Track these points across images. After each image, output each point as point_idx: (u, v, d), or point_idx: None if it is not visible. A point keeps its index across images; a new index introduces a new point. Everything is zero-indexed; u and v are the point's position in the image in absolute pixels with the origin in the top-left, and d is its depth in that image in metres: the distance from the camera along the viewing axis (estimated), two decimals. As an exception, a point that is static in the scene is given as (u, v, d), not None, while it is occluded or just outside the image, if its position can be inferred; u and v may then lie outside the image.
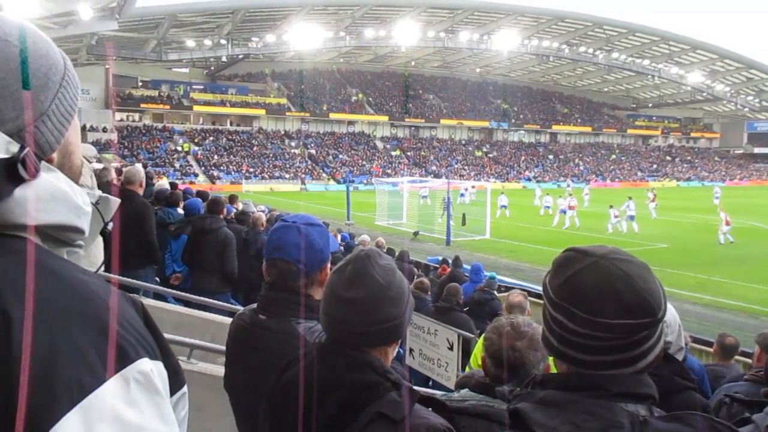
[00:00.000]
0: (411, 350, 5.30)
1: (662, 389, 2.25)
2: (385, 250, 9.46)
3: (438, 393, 2.37)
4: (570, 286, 1.10)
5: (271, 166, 57.85)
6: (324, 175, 59.31)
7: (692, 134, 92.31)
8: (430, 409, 1.34)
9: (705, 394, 3.28)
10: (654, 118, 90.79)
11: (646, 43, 69.63)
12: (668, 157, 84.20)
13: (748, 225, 27.88)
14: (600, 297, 1.06)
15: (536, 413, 1.06)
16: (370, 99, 73.24)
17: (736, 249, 21.34)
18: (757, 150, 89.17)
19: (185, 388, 0.83)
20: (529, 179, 66.32)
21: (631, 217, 26.42)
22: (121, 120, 58.98)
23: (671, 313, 2.39)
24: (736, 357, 5.28)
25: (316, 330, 1.70)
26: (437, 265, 13.39)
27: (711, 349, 7.69)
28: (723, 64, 75.12)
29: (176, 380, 0.79)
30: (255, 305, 1.87)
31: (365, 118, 70.61)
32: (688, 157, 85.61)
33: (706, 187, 60.03)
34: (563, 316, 1.10)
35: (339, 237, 12.38)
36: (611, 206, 26.68)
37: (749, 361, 5.42)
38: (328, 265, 1.83)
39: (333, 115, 68.63)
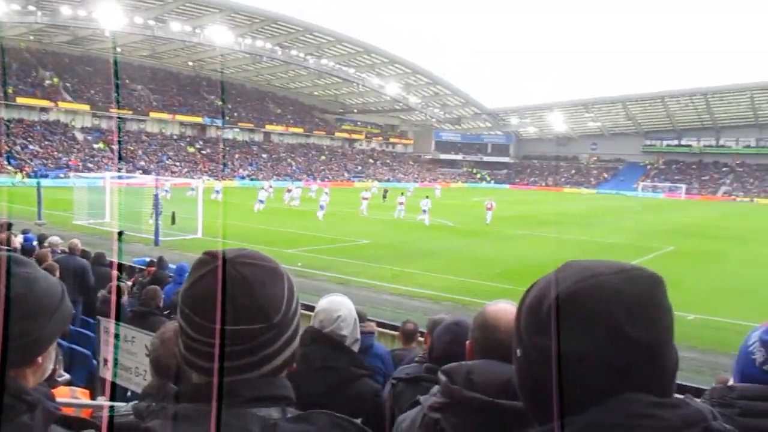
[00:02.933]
0: (105, 360, 4.89)
1: (340, 380, 2.44)
2: (79, 253, 8.59)
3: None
4: (193, 292, 1.07)
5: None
6: (10, 167, 51.66)
7: (391, 140, 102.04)
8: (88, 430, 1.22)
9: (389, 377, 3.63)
10: (359, 123, 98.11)
11: (352, 53, 74.92)
12: (371, 160, 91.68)
13: (436, 222, 31.66)
14: (213, 302, 1.04)
15: (167, 431, 1.02)
16: (68, 85, 65.82)
17: (428, 243, 24.07)
18: (442, 156, 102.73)
19: None
20: (243, 177, 66.42)
21: (425, 212, 31.19)
22: None
23: (347, 308, 2.57)
24: (419, 340, 5.94)
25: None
26: (144, 267, 12.63)
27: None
28: (416, 78, 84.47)
29: None
30: None
31: (62, 106, 63.17)
32: (388, 161, 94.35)
33: (402, 188, 66.49)
34: (185, 322, 1.07)
35: (20, 238, 10.87)
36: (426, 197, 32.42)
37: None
38: None
39: (21, 100, 59.99)
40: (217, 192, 40.13)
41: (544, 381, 0.89)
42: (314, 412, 1.08)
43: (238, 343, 1.04)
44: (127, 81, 71.53)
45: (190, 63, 77.96)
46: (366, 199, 36.53)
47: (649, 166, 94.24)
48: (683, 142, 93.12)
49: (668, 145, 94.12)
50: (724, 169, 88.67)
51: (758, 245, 27.61)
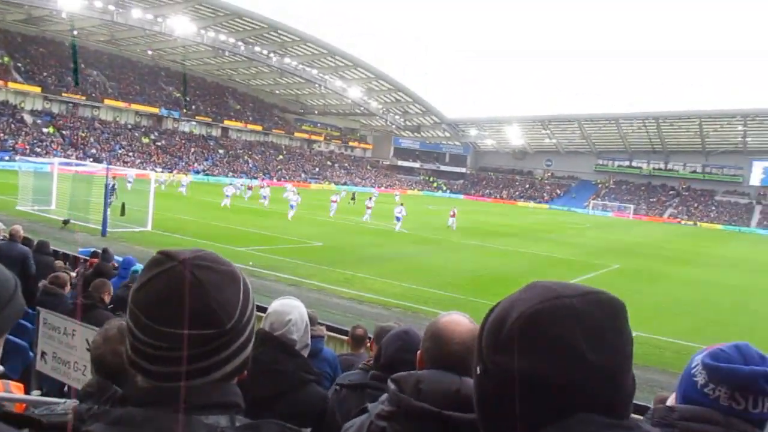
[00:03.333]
0: (43, 353, 4.72)
1: (287, 385, 2.42)
2: (20, 240, 8.28)
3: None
4: (143, 292, 1.04)
5: None
6: (-50, 147, 49.69)
7: (350, 143, 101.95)
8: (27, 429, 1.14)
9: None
10: (319, 124, 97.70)
11: (316, 54, 74.61)
12: (329, 162, 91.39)
13: (388, 228, 31.74)
14: (164, 305, 1.01)
15: None
16: (20, 65, 63.56)
17: (381, 249, 24.12)
18: (400, 162, 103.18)
19: None
20: (197, 172, 65.32)
21: (398, 218, 32.40)
22: None
23: (298, 312, 2.55)
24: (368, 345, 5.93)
25: None
26: (89, 258, 12.27)
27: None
28: (377, 83, 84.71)
29: None
30: None
31: (12, 86, 60.86)
32: (346, 164, 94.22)
33: (369, 192, 66.50)
34: (133, 322, 1.04)
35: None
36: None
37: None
38: None
39: (-34, 78, 57.74)
40: (183, 186, 40.38)
41: (502, 399, 0.89)
42: (264, 421, 1.05)
43: (188, 348, 1.01)
44: (82, 66, 69.50)
45: (150, 52, 76.34)
46: (335, 202, 38.10)
47: (600, 185, 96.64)
48: (634, 164, 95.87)
49: (619, 166, 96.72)
50: (671, 192, 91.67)
51: (699, 267, 28.59)
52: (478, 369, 0.95)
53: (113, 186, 24.70)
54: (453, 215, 35.89)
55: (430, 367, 1.51)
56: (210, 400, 1.04)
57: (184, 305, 1.01)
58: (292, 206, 32.76)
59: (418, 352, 1.64)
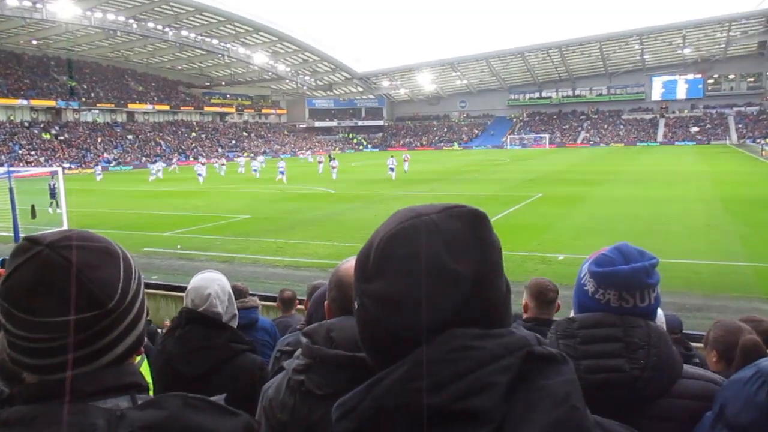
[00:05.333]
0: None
1: (220, 358, 2.42)
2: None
3: None
4: (11, 283, 0.97)
5: None
6: None
7: (263, 111, 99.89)
8: None
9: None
10: (228, 96, 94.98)
11: (214, 23, 71.94)
12: (244, 133, 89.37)
13: (314, 191, 31.57)
14: (36, 293, 0.95)
15: None
16: None
17: (309, 213, 23.98)
18: (317, 124, 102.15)
19: None
20: (109, 162, 62.55)
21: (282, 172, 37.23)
22: None
23: (218, 284, 2.53)
24: (299, 307, 5.94)
25: None
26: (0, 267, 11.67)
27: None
28: (282, 46, 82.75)
29: None
30: None
31: None
32: (262, 133, 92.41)
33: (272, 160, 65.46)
34: (4, 317, 0.97)
35: None
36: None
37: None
38: None
39: None
40: (154, 174, 42.67)
41: (376, 327, 0.88)
42: (166, 395, 1.01)
43: (69, 335, 0.95)
44: (-39, 65, 64.64)
45: (35, 42, 71.47)
46: (321, 162, 45.31)
47: (514, 120, 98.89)
48: (543, 94, 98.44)
49: (530, 98, 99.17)
50: (581, 117, 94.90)
51: (614, 186, 29.97)
52: (355, 304, 0.93)
53: (53, 186, 25.16)
54: (406, 159, 42.34)
55: (339, 314, 1.52)
56: (104, 384, 0.99)
57: (57, 290, 0.95)
58: (281, 172, 37.57)
59: (325, 302, 1.64)
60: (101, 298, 0.98)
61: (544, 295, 3.22)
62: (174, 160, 60.79)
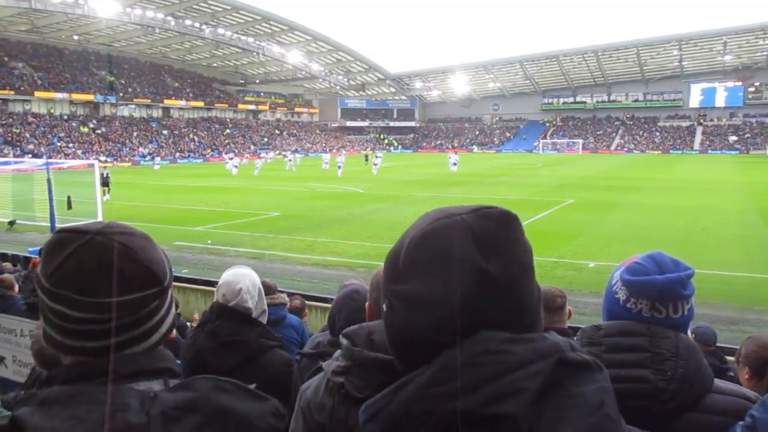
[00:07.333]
0: (2, 358, 4.63)
1: (249, 353, 2.44)
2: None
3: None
4: (65, 271, 1.00)
5: None
6: None
7: (296, 109, 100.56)
8: None
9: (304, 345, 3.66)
10: (262, 93, 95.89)
11: (250, 21, 72.69)
12: (277, 131, 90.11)
13: (343, 190, 31.67)
14: (100, 275, 1.00)
15: (35, 416, 0.94)
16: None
17: (339, 211, 24.07)
18: (349, 123, 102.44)
19: None
20: (143, 156, 63.65)
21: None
22: None
23: (249, 279, 2.55)
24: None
25: None
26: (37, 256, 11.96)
27: (319, 305, 8.62)
28: (317, 45, 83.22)
29: None
30: None
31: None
32: (294, 131, 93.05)
33: (313, 158, 65.92)
34: (63, 305, 1.00)
35: None
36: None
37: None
38: None
39: None
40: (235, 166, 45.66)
41: (406, 329, 0.87)
42: (197, 377, 1.04)
43: (131, 315, 1.02)
44: (5, 59, 66.33)
45: (76, 37, 73.16)
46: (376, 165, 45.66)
47: (547, 124, 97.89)
48: (578, 99, 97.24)
49: (564, 103, 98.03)
50: (616, 122, 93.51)
51: (648, 193, 29.45)
52: (384, 307, 0.93)
53: (107, 175, 27.51)
54: (455, 163, 45.40)
55: (380, 317, 1.52)
56: (139, 367, 1.03)
57: (119, 272, 1.00)
58: (340, 166, 41.46)
59: (366, 304, 1.66)
60: (159, 276, 1.05)
61: (551, 302, 3.14)
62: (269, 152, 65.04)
